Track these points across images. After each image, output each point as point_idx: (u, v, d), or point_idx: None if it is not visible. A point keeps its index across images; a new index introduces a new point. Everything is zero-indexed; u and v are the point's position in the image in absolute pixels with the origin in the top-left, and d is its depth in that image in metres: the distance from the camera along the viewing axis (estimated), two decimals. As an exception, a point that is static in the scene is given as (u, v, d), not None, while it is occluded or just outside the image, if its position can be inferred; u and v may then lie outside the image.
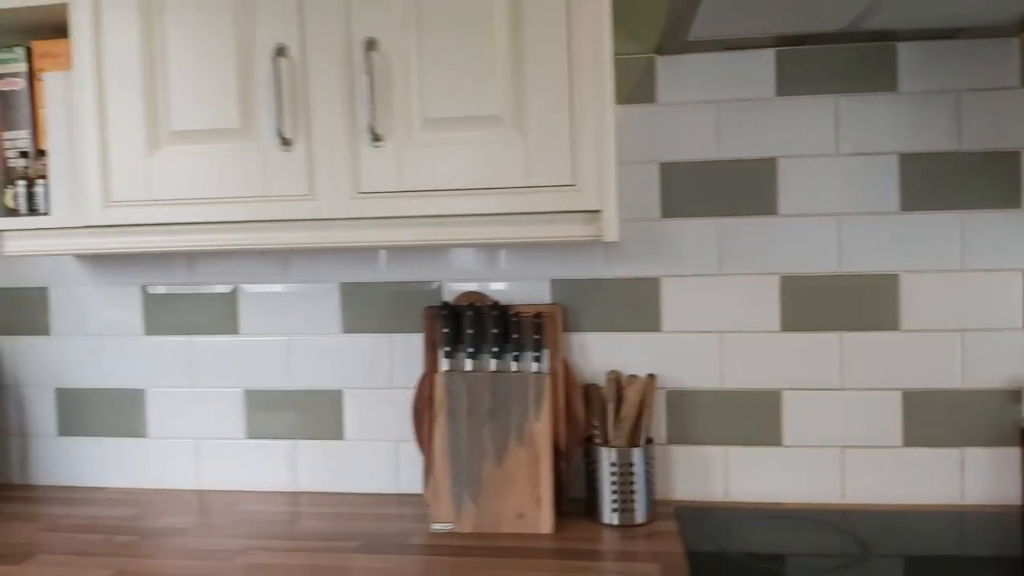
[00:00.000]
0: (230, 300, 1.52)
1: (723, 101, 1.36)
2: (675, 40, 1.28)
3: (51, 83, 1.25)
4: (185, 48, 1.18)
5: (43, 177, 1.32)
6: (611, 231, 1.10)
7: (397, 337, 1.48)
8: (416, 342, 1.47)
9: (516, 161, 1.12)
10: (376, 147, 1.15)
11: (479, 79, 1.12)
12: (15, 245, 1.27)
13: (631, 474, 1.29)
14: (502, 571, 1.13)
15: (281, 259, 1.50)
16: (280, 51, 1.15)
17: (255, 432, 1.53)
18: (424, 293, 1.47)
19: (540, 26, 1.10)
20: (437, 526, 1.29)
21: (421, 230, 1.16)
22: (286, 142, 1.16)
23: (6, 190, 1.35)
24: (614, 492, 1.29)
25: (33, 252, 1.26)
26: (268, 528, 1.33)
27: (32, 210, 1.32)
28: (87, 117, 1.21)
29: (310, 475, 1.52)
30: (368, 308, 1.48)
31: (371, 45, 1.13)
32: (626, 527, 1.29)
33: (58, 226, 1.24)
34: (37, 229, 1.26)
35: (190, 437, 1.54)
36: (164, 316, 1.54)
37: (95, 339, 1.57)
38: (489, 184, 1.13)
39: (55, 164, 1.26)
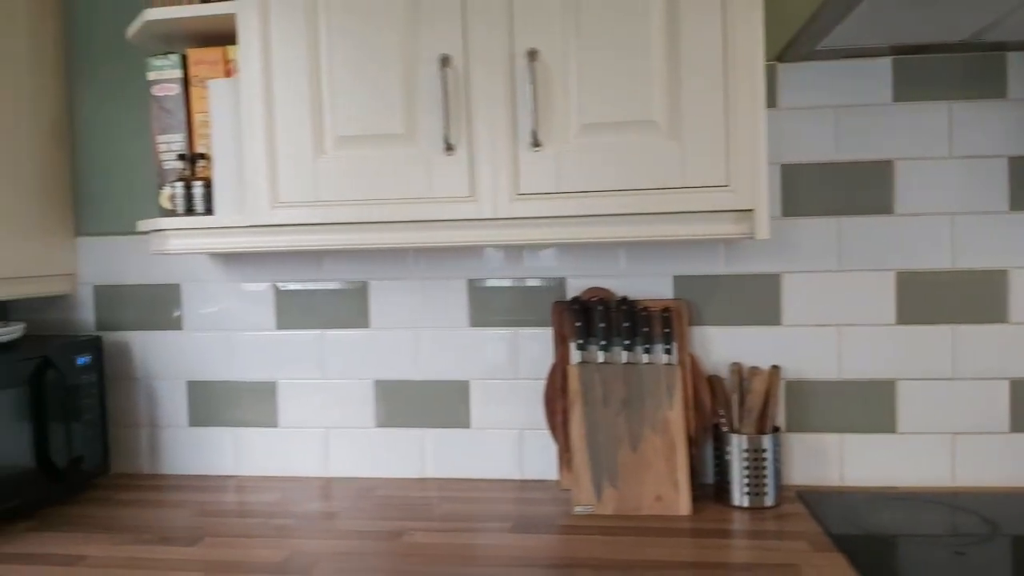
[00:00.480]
0: (361, 295, 1.59)
1: (842, 106, 1.43)
2: (801, 49, 1.35)
3: (216, 90, 1.32)
4: (350, 57, 1.25)
5: (199, 179, 1.39)
6: (763, 229, 1.18)
7: (522, 331, 1.55)
8: (539, 335, 1.54)
9: (671, 163, 1.19)
10: (535, 151, 1.22)
11: (635, 86, 1.19)
12: (179, 243, 1.34)
13: (762, 460, 1.37)
14: (653, 548, 1.20)
15: (412, 256, 1.57)
16: (445, 61, 1.22)
17: (384, 421, 1.60)
18: (547, 289, 1.54)
19: (696, 35, 1.17)
20: (579, 508, 1.36)
21: (578, 229, 1.23)
22: (449, 147, 1.23)
23: (162, 191, 1.42)
24: (746, 476, 1.37)
25: (197, 250, 1.33)
26: (414, 511, 1.40)
27: (189, 210, 1.39)
28: (255, 122, 1.28)
29: (437, 462, 1.59)
30: (494, 303, 1.56)
31: (533, 55, 1.20)
32: (757, 509, 1.36)
33: (224, 225, 1.31)
34: (202, 228, 1.33)
35: (320, 426, 1.62)
36: (295, 311, 1.61)
37: (227, 334, 1.64)
38: (644, 185, 1.20)
39: (220, 167, 1.33)
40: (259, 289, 1.62)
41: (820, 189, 1.45)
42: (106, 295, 1.67)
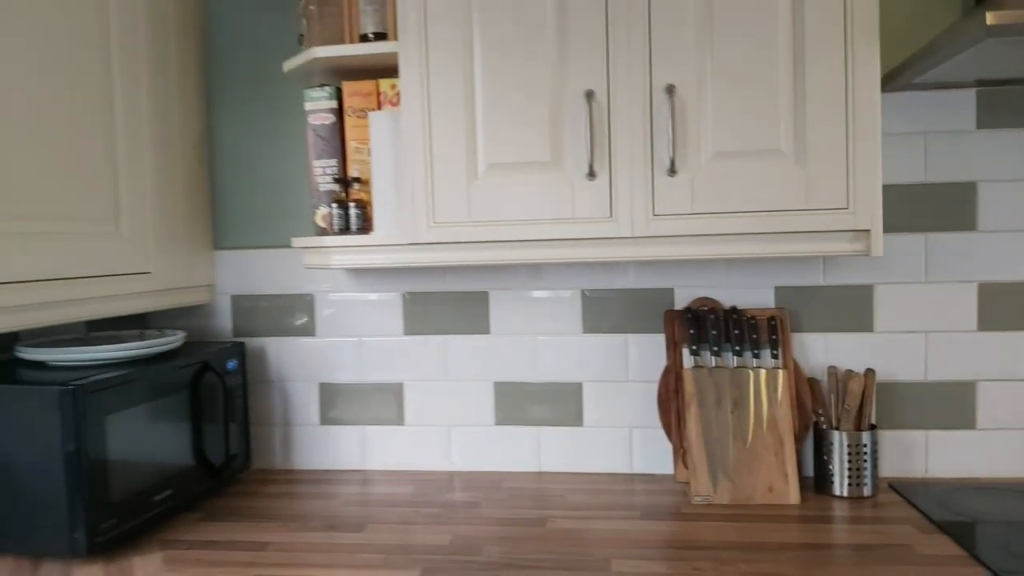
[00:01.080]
0: (482, 304, 1.74)
1: (931, 132, 1.58)
2: (899, 83, 1.50)
3: (377, 120, 1.47)
4: (502, 91, 1.40)
5: (353, 200, 1.53)
6: (878, 247, 1.32)
7: (631, 337, 1.70)
8: (648, 341, 1.69)
9: (796, 188, 1.34)
10: (671, 177, 1.37)
11: (764, 118, 1.34)
12: (340, 259, 1.49)
13: (862, 454, 1.51)
14: (771, 532, 1.35)
15: (532, 269, 1.72)
16: (589, 95, 1.37)
17: (503, 419, 1.74)
18: (655, 299, 1.69)
19: (820, 70, 1.32)
20: (698, 498, 1.51)
21: (709, 247, 1.38)
22: (592, 173, 1.38)
23: (317, 211, 1.56)
24: (847, 469, 1.52)
25: (358, 265, 1.48)
26: (547, 501, 1.54)
27: (343, 229, 1.53)
28: (415, 150, 1.42)
29: (552, 457, 1.73)
30: (606, 312, 1.70)
31: (670, 90, 1.35)
32: (857, 499, 1.51)
33: (384, 243, 1.46)
34: (363, 246, 1.47)
35: (444, 424, 1.76)
36: (422, 318, 1.75)
37: (357, 339, 1.78)
38: (771, 207, 1.35)
39: (379, 190, 1.47)
40: (388, 298, 1.77)
41: (910, 208, 1.60)
42: (242, 304, 1.81)
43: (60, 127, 1.35)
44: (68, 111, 1.37)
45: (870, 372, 1.56)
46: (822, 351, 1.64)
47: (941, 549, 1.26)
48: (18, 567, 1.29)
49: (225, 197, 1.81)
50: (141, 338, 1.62)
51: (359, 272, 1.77)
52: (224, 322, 1.82)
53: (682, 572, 1.20)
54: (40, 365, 1.46)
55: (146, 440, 1.42)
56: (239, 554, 1.32)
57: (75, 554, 1.28)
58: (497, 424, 1.75)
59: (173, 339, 1.58)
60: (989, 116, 1.57)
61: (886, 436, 1.63)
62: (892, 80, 1.49)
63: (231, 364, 1.68)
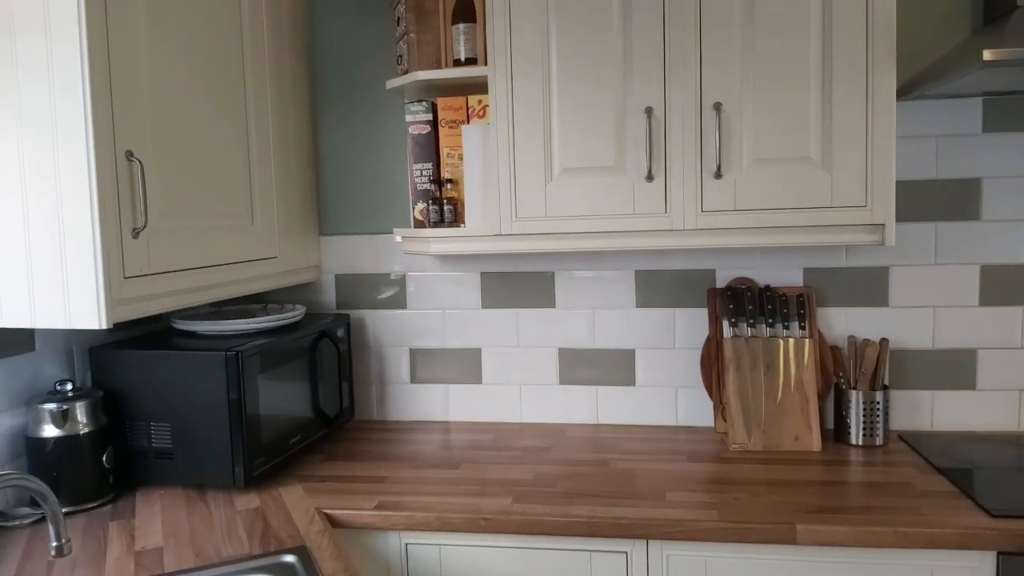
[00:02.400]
0: (548, 282, 2.03)
1: (941, 135, 1.83)
2: (912, 93, 1.74)
3: (468, 132, 1.75)
4: (574, 108, 1.67)
5: (446, 198, 1.82)
6: (891, 238, 1.59)
7: (678, 311, 1.98)
8: (693, 315, 1.98)
9: (823, 188, 1.60)
10: (717, 179, 1.64)
11: (795, 130, 1.60)
12: (437, 247, 1.79)
13: (876, 410, 1.79)
14: (796, 472, 1.64)
15: (592, 254, 2.00)
16: (649, 111, 1.64)
17: (565, 380, 2.05)
18: (699, 278, 1.96)
19: (844, 90, 1.58)
20: (735, 445, 1.81)
21: (748, 238, 1.65)
22: (650, 176, 1.65)
23: (416, 206, 1.86)
24: (863, 422, 1.80)
25: (452, 252, 1.78)
26: (606, 446, 1.85)
27: (437, 222, 1.83)
28: (502, 157, 1.70)
29: (608, 412, 2.04)
30: (657, 289, 1.99)
31: (718, 107, 1.61)
32: (870, 447, 1.80)
33: (473, 234, 1.75)
34: (456, 236, 1.77)
35: (515, 383, 2.07)
36: (496, 294, 2.06)
37: (441, 311, 2.09)
38: (801, 205, 1.61)
39: (470, 190, 1.76)
40: (467, 277, 2.07)
41: (922, 200, 1.85)
42: (344, 282, 2.13)
43: (212, 141, 1.66)
44: (217, 129, 1.67)
45: (884, 341, 1.83)
46: (843, 323, 1.91)
47: (938, 487, 1.55)
48: (190, 495, 1.63)
49: (329, 192, 2.11)
50: (266, 312, 1.94)
51: (443, 256, 2.07)
52: (329, 297, 2.14)
53: (723, 500, 1.50)
54: (192, 334, 1.79)
55: (281, 395, 1.75)
56: (363, 485, 1.65)
57: (235, 485, 1.62)
58: (561, 384, 2.05)
59: (297, 313, 1.90)
60: (994, 121, 1.81)
61: (897, 395, 1.91)
62: (907, 92, 1.74)
63: (340, 332, 2.00)
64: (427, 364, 2.11)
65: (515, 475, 1.68)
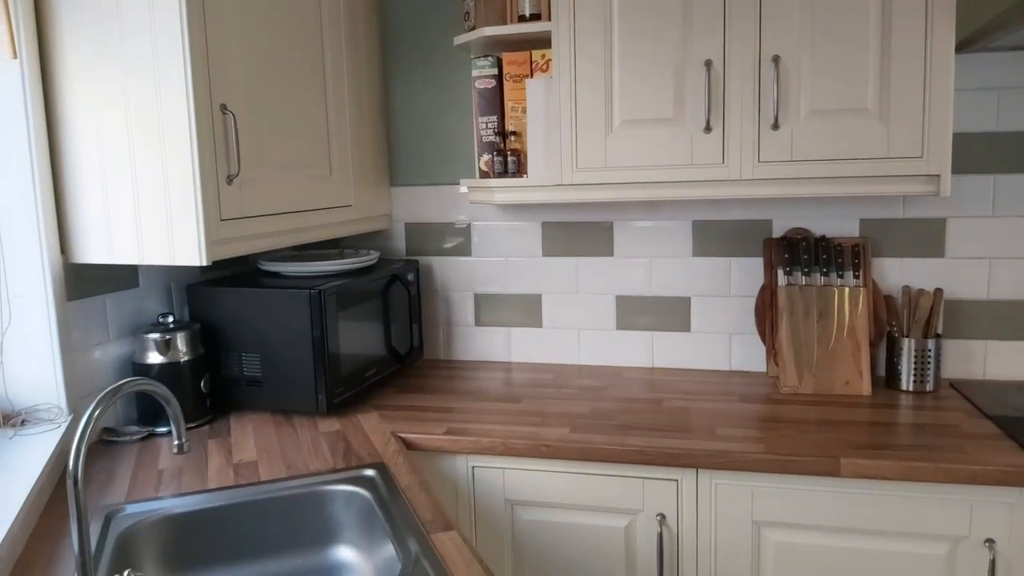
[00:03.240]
0: (608, 232, 2.12)
1: (1003, 88, 1.83)
2: (974, 46, 1.75)
3: (532, 86, 1.83)
4: (634, 61, 1.73)
5: (510, 150, 1.92)
6: (946, 188, 1.62)
7: (734, 260, 2.05)
8: (748, 264, 2.04)
9: (879, 139, 1.64)
10: (774, 131, 1.69)
11: (853, 82, 1.64)
12: (502, 196, 1.89)
13: (927, 356, 1.84)
14: (844, 413, 1.71)
15: (650, 204, 2.07)
16: (708, 64, 1.69)
17: (622, 325, 2.14)
18: (755, 228, 2.02)
19: (903, 41, 1.60)
20: (786, 388, 1.88)
21: (803, 188, 1.70)
22: (708, 128, 1.71)
23: (481, 158, 1.96)
24: (913, 368, 1.85)
25: (515, 202, 1.87)
26: (660, 387, 1.95)
27: (501, 173, 1.93)
28: (564, 109, 1.78)
29: (662, 356, 2.13)
30: (712, 239, 2.05)
31: (776, 60, 1.66)
32: (919, 393, 1.85)
33: (536, 184, 1.85)
34: (519, 186, 1.86)
35: (573, 328, 2.18)
36: (557, 243, 2.15)
37: (504, 259, 2.20)
38: (857, 155, 1.66)
39: (532, 142, 1.85)
40: (529, 226, 2.17)
41: (982, 153, 1.86)
42: (413, 230, 2.25)
43: (294, 97, 1.78)
44: (298, 85, 1.80)
45: (939, 291, 1.87)
46: (898, 273, 1.95)
47: (984, 430, 1.60)
48: (278, 419, 1.79)
49: (399, 145, 2.23)
50: (342, 256, 2.08)
51: (506, 205, 2.17)
52: (399, 244, 2.27)
53: (771, 436, 1.58)
54: (277, 275, 1.94)
55: (357, 332, 1.89)
56: (433, 414, 1.79)
57: (318, 411, 1.77)
58: (617, 329, 2.15)
59: (371, 258, 2.03)
60: (1060, 71, 1.80)
61: (950, 344, 1.95)
62: (969, 44, 1.74)
63: (410, 276, 2.13)
64: (490, 308, 2.23)
65: (573, 409, 1.79)
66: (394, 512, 1.32)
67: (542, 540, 1.64)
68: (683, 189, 1.77)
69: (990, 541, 1.43)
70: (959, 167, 1.88)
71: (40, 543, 1.24)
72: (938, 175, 1.63)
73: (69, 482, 0.91)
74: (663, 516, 1.57)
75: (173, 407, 1.07)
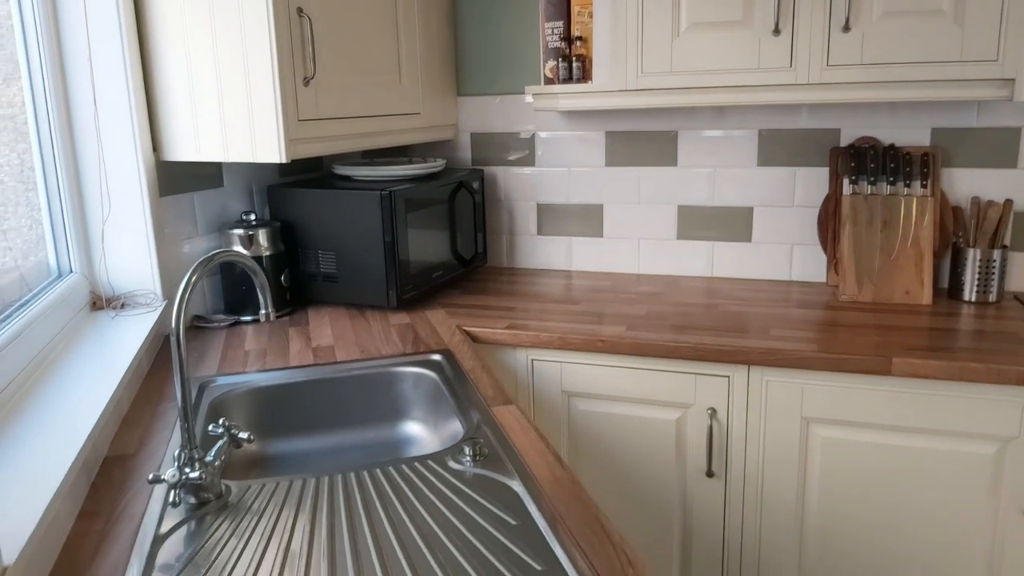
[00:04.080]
0: (672, 141, 2.13)
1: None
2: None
3: (599, -11, 1.84)
4: (703, -37, 1.72)
5: (576, 55, 1.93)
6: (1020, 94, 1.58)
7: (799, 170, 2.04)
8: (814, 174, 2.03)
9: (953, 42, 1.60)
10: (844, 33, 1.66)
11: (930, -18, 1.59)
12: (566, 103, 1.92)
13: (992, 268, 1.82)
14: (900, 319, 1.72)
15: (715, 112, 2.07)
16: (778, -36, 1.66)
17: (683, 235, 2.18)
18: (824, 138, 2.00)
19: (985, -58, 1.54)
20: (844, 296, 1.90)
21: (873, 92, 1.68)
22: (777, 30, 1.70)
23: (546, 64, 1.99)
24: (976, 278, 1.84)
25: (580, 108, 1.90)
26: (716, 294, 1.99)
27: (567, 79, 1.95)
28: (631, 12, 1.79)
29: (722, 266, 2.16)
30: (778, 148, 2.05)
31: (849, -42, 1.62)
32: (981, 303, 1.84)
33: (601, 90, 1.87)
34: (584, 92, 1.89)
35: (633, 237, 2.22)
36: (620, 153, 2.18)
37: (567, 169, 2.24)
38: (929, 59, 1.62)
39: (599, 46, 1.86)
40: (593, 136, 2.20)
41: (1067, 57, 1.79)
42: (479, 140, 2.31)
43: (365, 4, 1.83)
44: (373, -13, 1.85)
45: (1008, 201, 1.83)
46: (968, 184, 1.92)
47: (1043, 338, 1.60)
48: (352, 312, 1.91)
49: (466, 54, 2.27)
50: (411, 163, 2.16)
51: (571, 115, 2.20)
52: (465, 154, 2.33)
53: (825, 337, 1.62)
54: (349, 179, 2.03)
55: (425, 234, 1.98)
56: (494, 311, 1.88)
57: (388, 306, 1.88)
58: (678, 239, 2.18)
59: (438, 164, 2.10)
60: None
61: (1018, 257, 1.92)
62: (1063, -62, 1.66)
63: (476, 185, 2.19)
64: (552, 218, 2.29)
65: (630, 311, 1.86)
66: (458, 391, 1.42)
67: (596, 430, 1.73)
68: (749, 94, 1.76)
69: (1040, 442, 1.46)
70: (1041, 73, 1.81)
71: (142, 406, 1.39)
72: (1013, 79, 1.59)
73: (172, 326, 1.03)
74: (714, 410, 1.63)
75: (260, 277, 1.18)
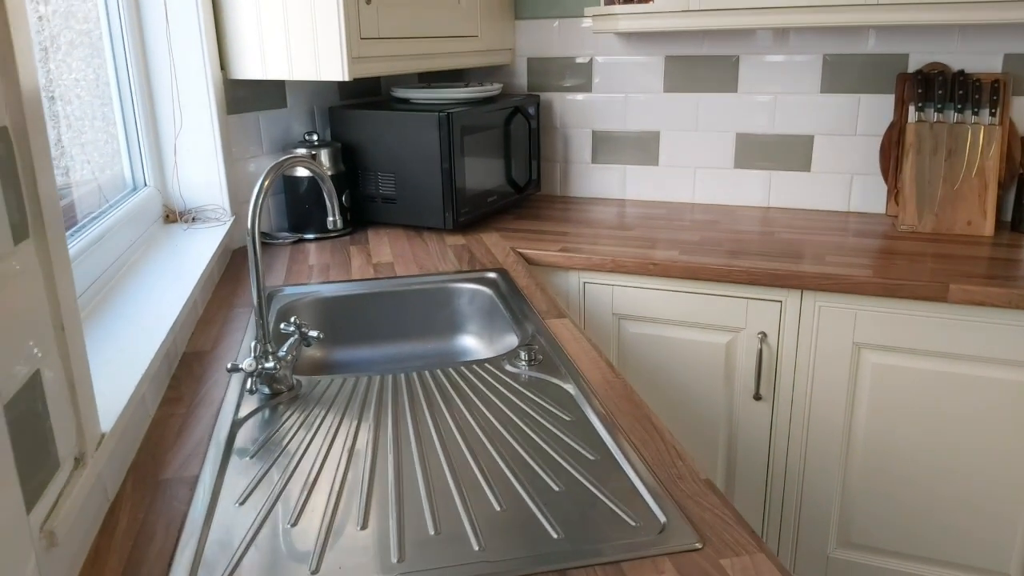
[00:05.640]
0: (732, 66, 2.09)
1: None
2: None
3: (664, -95, 1.80)
4: None
5: (637, -25, 1.90)
6: (1107, 13, 1.51)
7: (864, 97, 1.99)
8: (878, 102, 1.98)
9: (1036, -41, 1.53)
10: (919, -51, 1.60)
11: None
12: (627, 24, 1.90)
13: (1061, 200, 1.78)
14: (959, 248, 1.69)
15: (779, 36, 2.03)
16: None
17: (740, 164, 2.16)
18: (889, 63, 1.95)
19: None
20: (903, 227, 1.87)
21: (943, 14, 1.62)
22: (847, -53, 1.64)
23: (607, -16, 1.96)
24: (1044, 212, 1.79)
25: (641, 29, 1.88)
26: (772, 223, 1.98)
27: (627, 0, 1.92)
28: (695, -69, 1.75)
29: (779, 196, 2.14)
30: (843, 74, 2.00)
31: None
32: (1048, 237, 1.80)
33: (661, 11, 1.84)
34: (644, 13, 1.86)
35: (690, 166, 2.21)
36: (679, 78, 2.15)
37: (624, 95, 2.23)
38: (1009, -23, 1.56)
39: (661, -35, 1.83)
40: (652, 61, 2.17)
41: None
42: (535, 65, 2.30)
43: (430, -82, 1.82)
44: (434, -95, 1.83)
45: (1084, 132, 1.77)
46: (1042, 113, 1.85)
47: (1110, 270, 1.56)
48: (409, 233, 1.96)
49: (524, -25, 2.25)
50: (468, 87, 2.17)
51: (630, 38, 2.17)
52: (521, 80, 2.33)
53: (880, 263, 1.61)
54: (407, 101, 2.05)
55: (481, 159, 2.00)
56: (547, 236, 1.91)
57: (445, 227, 1.93)
58: (735, 168, 2.16)
59: (495, 88, 2.11)
60: None
61: (1091, 192, 1.86)
62: None
63: (531, 111, 2.20)
64: (608, 147, 2.29)
65: (684, 237, 1.86)
66: (513, 305, 1.46)
67: (646, 352, 1.77)
68: (813, 15, 1.72)
69: (1098, 372, 1.44)
70: None
71: (215, 311, 1.47)
72: (1100, -3, 1.52)
73: (248, 224, 1.09)
74: (764, 335, 1.65)
75: (327, 184, 1.23)
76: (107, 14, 1.63)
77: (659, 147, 2.23)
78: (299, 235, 1.92)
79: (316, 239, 1.92)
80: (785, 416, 1.68)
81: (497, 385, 1.13)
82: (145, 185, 1.75)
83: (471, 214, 1.97)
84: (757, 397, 1.68)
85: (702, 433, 1.77)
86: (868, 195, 2.05)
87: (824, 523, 1.71)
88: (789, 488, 1.72)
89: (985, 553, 1.60)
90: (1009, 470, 1.54)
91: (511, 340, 1.39)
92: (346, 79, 1.65)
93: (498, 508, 0.84)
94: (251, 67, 1.74)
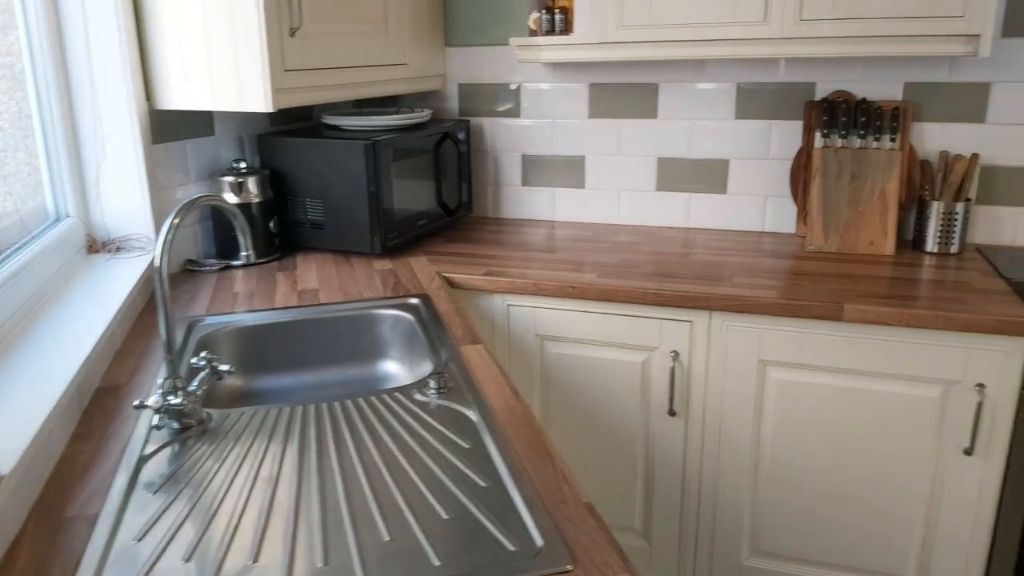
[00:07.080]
0: (653, 94, 2.17)
1: (1071, -58, 1.76)
2: None
3: (579, -59, 1.87)
4: (680, -84, 1.74)
5: (559, 7, 1.97)
6: (985, 49, 1.62)
7: (775, 123, 2.09)
8: (789, 128, 2.08)
9: (920, -2, 1.64)
10: (815, -12, 1.70)
11: (899, -62, 1.62)
12: (548, 55, 1.96)
13: (953, 219, 1.88)
14: (863, 268, 1.79)
15: (696, 65, 2.11)
16: (753, -82, 1.69)
17: (662, 187, 2.24)
18: (798, 92, 2.05)
19: (954, -102, 1.57)
20: (811, 246, 1.96)
21: (844, 46, 1.72)
22: (750, -16, 1.73)
23: (531, 16, 2.02)
24: (939, 230, 1.90)
25: (561, 60, 1.95)
26: (691, 244, 2.06)
27: (549, 31, 1.99)
28: (608, -34, 1.82)
29: (698, 217, 2.22)
30: (756, 102, 2.09)
31: (822, -87, 1.64)
32: (944, 255, 1.91)
33: (581, 42, 1.91)
34: (565, 44, 1.93)
35: (614, 189, 2.28)
36: (603, 105, 2.23)
37: (551, 120, 2.29)
38: (898, 14, 1.66)
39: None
40: (577, 88, 2.24)
41: (1038, 14, 1.82)
42: (467, 90, 2.36)
43: (353, -48, 1.87)
44: (357, -61, 1.88)
45: (974, 156, 1.88)
46: (938, 138, 1.97)
47: (995, 287, 1.67)
48: (338, 258, 1.99)
49: (454, 3, 2.30)
50: (399, 114, 2.22)
51: (556, 67, 2.24)
52: (452, 105, 2.38)
53: (785, 284, 1.69)
54: (337, 128, 2.09)
55: (410, 184, 2.05)
56: (475, 259, 1.96)
57: (373, 252, 1.96)
58: (657, 190, 2.24)
59: (425, 115, 2.16)
60: None
61: (984, 210, 1.97)
62: None
63: (461, 136, 2.25)
64: (537, 169, 2.35)
65: (605, 260, 1.93)
66: (432, 331, 1.51)
67: (568, 371, 1.83)
68: (725, 48, 1.81)
69: (980, 386, 1.54)
70: (1014, 29, 1.84)
71: (134, 343, 1.49)
72: (978, 35, 1.62)
73: (156, 263, 1.12)
74: (676, 353, 1.72)
75: (239, 220, 1.26)
76: (30, 47, 1.64)
77: (585, 171, 2.30)
78: (226, 262, 1.94)
79: (243, 266, 1.94)
80: (698, 431, 1.75)
81: (404, 415, 1.18)
82: (68, 216, 1.76)
83: (400, 238, 2.02)
84: (672, 413, 1.76)
85: (622, 449, 1.83)
86: (781, 216, 2.15)
87: (737, 532, 1.78)
88: (704, 499, 1.79)
89: (885, 556, 1.69)
90: (905, 477, 1.63)
91: (428, 366, 1.43)
92: (270, 110, 1.68)
93: (387, 538, 0.89)
94: (175, 97, 1.77)
